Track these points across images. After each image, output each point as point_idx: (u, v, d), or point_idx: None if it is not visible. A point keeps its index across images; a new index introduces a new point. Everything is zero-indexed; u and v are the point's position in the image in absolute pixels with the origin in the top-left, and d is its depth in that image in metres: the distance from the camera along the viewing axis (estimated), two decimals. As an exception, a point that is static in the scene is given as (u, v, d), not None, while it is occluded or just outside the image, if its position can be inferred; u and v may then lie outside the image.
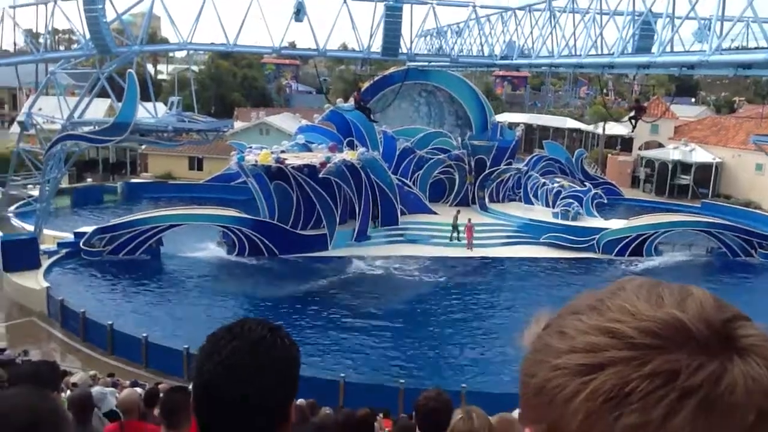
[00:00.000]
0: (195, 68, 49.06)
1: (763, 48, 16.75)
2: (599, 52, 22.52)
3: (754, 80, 46.69)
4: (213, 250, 28.35)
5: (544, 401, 0.72)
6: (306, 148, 31.93)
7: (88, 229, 27.52)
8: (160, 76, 62.23)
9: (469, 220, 30.96)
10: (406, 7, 26.22)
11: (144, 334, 18.70)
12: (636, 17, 20.55)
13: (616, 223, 31.92)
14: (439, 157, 34.11)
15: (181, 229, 27.68)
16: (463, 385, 16.33)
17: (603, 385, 0.68)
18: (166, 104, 31.41)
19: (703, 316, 0.71)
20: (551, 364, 0.72)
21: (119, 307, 22.64)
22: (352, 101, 31.45)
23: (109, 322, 19.49)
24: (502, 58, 28.20)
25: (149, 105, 27.72)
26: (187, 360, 16.87)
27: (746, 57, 17.02)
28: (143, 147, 41.46)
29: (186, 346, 17.34)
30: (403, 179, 32.77)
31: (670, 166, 45.16)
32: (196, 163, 43.83)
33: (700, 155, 44.73)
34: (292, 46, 36.67)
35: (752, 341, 0.71)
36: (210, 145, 35.45)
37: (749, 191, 41.91)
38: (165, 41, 48.36)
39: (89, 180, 41.39)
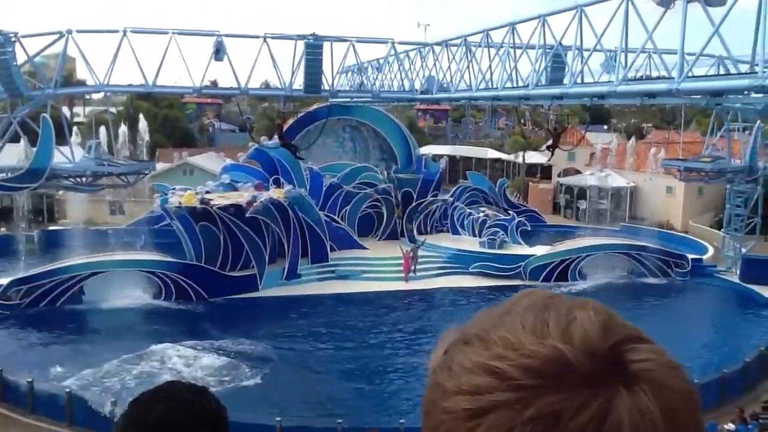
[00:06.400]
0: (113, 110, 47.91)
1: (664, 78, 17.78)
2: (515, 85, 23.35)
3: (659, 107, 49.35)
4: (138, 296, 27.39)
5: None
6: (231, 187, 31.57)
7: (3, 281, 26.19)
8: (76, 119, 60.41)
9: (410, 249, 31.30)
10: (326, 45, 26.55)
11: (67, 390, 17.84)
12: (547, 50, 21.45)
13: (540, 250, 32.80)
14: (366, 191, 34.33)
15: (104, 276, 26.70)
16: (402, 420, 16.28)
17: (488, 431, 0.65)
18: (83, 147, 30.51)
19: (586, 345, 0.66)
20: (441, 407, 0.70)
21: (39, 363, 21.51)
22: (276, 139, 31.40)
23: (29, 379, 18.50)
24: (422, 92, 28.85)
25: (66, 149, 26.87)
26: (114, 414, 16.16)
27: (650, 87, 18.03)
28: (60, 193, 39.98)
29: (113, 400, 16.65)
30: (331, 215, 32.78)
31: (588, 192, 46.91)
32: (118, 208, 42.54)
33: (616, 180, 46.67)
34: (214, 84, 36.42)
35: (642, 366, 0.67)
36: (131, 189, 34.52)
37: (662, 212, 43.93)
38: (82, 83, 47.13)
39: (3, 229, 39.50)
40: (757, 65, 13.30)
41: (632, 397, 0.64)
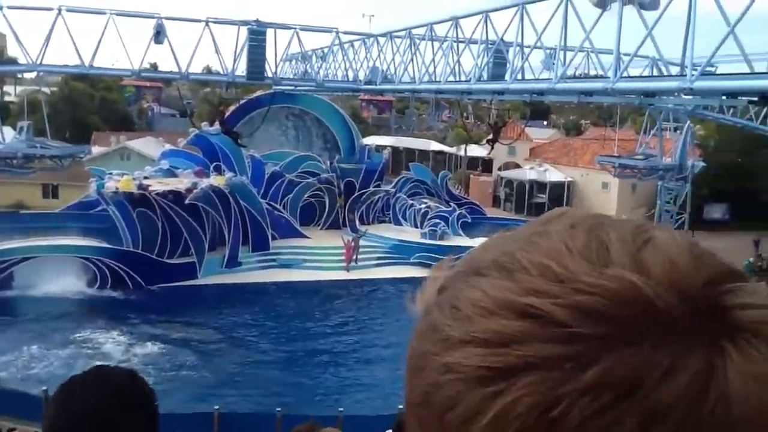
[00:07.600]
0: (47, 90, 46.25)
1: (601, 77, 18.35)
2: (457, 79, 23.67)
3: (597, 105, 50.79)
4: (71, 283, 26.62)
5: (431, 417, 0.47)
6: (170, 173, 31.00)
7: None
8: (7, 98, 58.07)
9: (352, 239, 31.38)
10: (269, 31, 26.30)
11: (-6, 378, 17.32)
12: (489, 46, 21.83)
13: (480, 241, 33.31)
14: (309, 180, 34.22)
15: (35, 262, 25.87)
16: (341, 409, 16.40)
17: (516, 404, 0.43)
18: (14, 129, 29.43)
19: (674, 278, 0.45)
20: (440, 362, 0.47)
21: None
22: (217, 125, 30.96)
23: (-47, 367, 17.89)
24: (366, 83, 28.89)
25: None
26: (46, 403, 15.76)
27: (587, 85, 18.59)
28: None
29: (44, 388, 16.21)
30: (272, 204, 32.55)
31: (527, 186, 47.97)
32: (51, 191, 41.21)
33: (554, 175, 47.88)
34: (154, 68, 35.57)
35: (751, 316, 0.44)
36: (66, 172, 33.49)
37: (597, 207, 45.36)
38: (13, 61, 45.28)
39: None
40: (686, 68, 13.89)
41: (745, 360, 0.43)
